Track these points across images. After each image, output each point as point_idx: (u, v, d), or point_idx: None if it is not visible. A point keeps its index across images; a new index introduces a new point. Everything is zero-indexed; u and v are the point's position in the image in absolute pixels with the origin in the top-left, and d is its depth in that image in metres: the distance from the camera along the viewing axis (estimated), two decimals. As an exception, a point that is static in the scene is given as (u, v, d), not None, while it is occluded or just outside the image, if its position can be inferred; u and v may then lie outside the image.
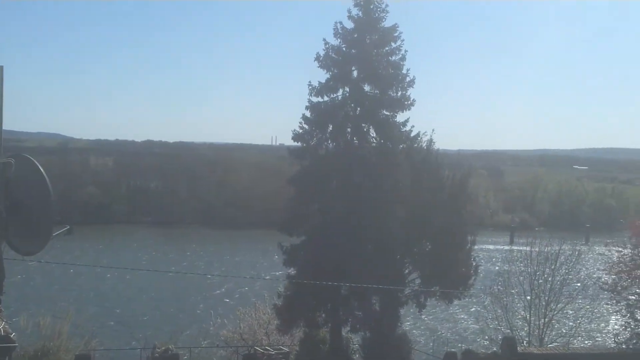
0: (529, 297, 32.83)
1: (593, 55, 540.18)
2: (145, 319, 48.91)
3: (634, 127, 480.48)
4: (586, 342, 34.36)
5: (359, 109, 32.46)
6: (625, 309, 26.72)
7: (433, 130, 32.60)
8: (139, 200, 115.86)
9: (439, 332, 45.31)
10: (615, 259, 27.68)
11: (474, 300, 40.65)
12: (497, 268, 41.36)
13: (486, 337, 35.89)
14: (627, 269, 26.65)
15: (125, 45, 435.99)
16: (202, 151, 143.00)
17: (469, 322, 47.13)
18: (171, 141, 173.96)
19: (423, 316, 40.62)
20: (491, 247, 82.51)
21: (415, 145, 32.32)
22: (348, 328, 32.53)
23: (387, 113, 32.42)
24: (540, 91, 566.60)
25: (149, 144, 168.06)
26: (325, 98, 32.25)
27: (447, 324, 48.16)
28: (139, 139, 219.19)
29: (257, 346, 32.10)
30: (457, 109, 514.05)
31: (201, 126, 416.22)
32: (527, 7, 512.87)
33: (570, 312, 33.57)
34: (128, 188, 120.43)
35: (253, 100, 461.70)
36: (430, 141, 32.06)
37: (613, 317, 31.01)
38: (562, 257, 33.52)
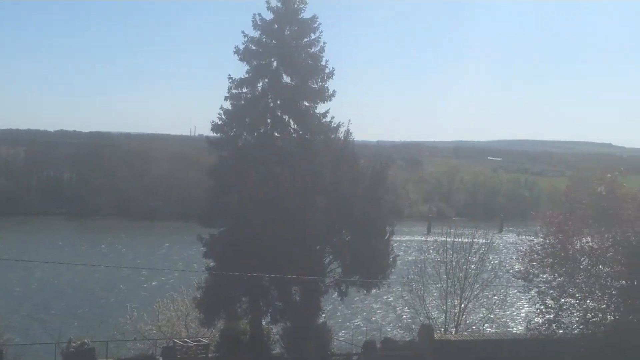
0: (443, 285, 33.55)
1: (505, 50, 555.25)
2: (54, 313, 47.56)
3: (545, 119, 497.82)
4: (500, 328, 35.36)
5: (278, 100, 32.38)
6: (536, 296, 27.60)
7: (350, 120, 32.82)
8: (52, 191, 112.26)
9: (359, 322, 45.77)
10: (527, 247, 28.50)
11: (393, 289, 41.28)
12: (414, 258, 42.04)
13: (404, 326, 36.51)
14: (539, 257, 27.49)
15: (37, 31, 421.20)
16: (119, 141, 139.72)
17: (388, 312, 47.84)
18: (86, 131, 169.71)
19: (341, 306, 40.93)
20: (410, 237, 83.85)
21: (334, 136, 32.50)
22: (268, 319, 32.49)
23: (307, 104, 32.47)
24: (457, 84, 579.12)
25: (62, 133, 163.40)
26: (245, 90, 32.06)
27: (367, 313, 48.70)
28: (51, 128, 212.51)
29: (176, 339, 31.67)
30: (378, 101, 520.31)
31: (118, 116, 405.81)
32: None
33: (485, 299, 34.47)
34: (40, 179, 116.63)
35: (172, 91, 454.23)
36: (348, 132, 32.30)
37: (525, 304, 32.02)
38: (476, 245, 34.42)
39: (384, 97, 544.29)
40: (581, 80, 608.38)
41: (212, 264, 32.11)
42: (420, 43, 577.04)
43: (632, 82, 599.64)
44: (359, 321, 46.15)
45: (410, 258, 44.18)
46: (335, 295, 32.36)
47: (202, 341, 31.45)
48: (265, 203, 30.06)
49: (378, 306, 49.77)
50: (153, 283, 55.82)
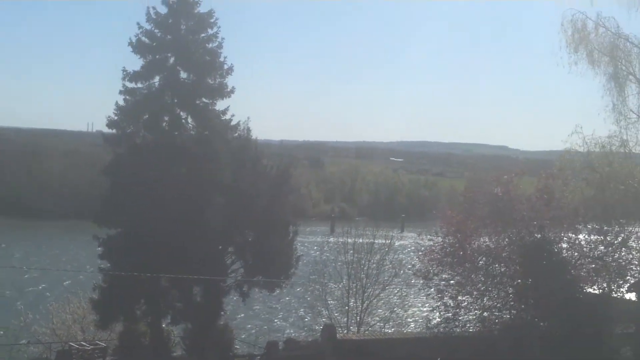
0: (345, 285, 33.76)
1: (408, 51, 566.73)
2: None
3: (445, 122, 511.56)
4: (402, 327, 35.84)
5: (176, 97, 31.77)
6: (436, 295, 28.09)
7: (249, 118, 32.65)
8: None
9: (262, 323, 45.48)
10: (427, 247, 28.97)
11: (296, 289, 41.22)
12: (316, 258, 42.12)
13: (307, 326, 36.53)
14: (438, 256, 27.98)
15: None
16: (8, 136, 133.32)
17: (291, 312, 47.73)
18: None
19: (245, 307, 40.54)
20: (313, 237, 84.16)
21: (236, 134, 32.22)
22: (169, 320, 31.86)
23: (206, 101, 32.04)
24: (359, 84, 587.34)
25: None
26: (140, 85, 31.31)
27: (270, 314, 48.45)
28: None
29: (72, 342, 30.58)
30: (281, 100, 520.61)
31: (6, 110, 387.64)
32: None
33: (386, 298, 34.88)
34: None
35: (66, 84, 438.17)
36: (248, 129, 32.08)
37: (426, 303, 32.55)
38: (377, 245, 34.80)
39: (287, 96, 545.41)
40: (479, 84, 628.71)
41: (108, 264, 31.21)
42: (321, 42, 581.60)
43: (526, 87, 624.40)
44: (263, 322, 45.86)
45: (312, 258, 44.24)
46: (237, 295, 32.05)
47: (100, 344, 30.54)
48: (163, 202, 29.40)
49: (281, 307, 49.60)
50: (42, 286, 53.37)
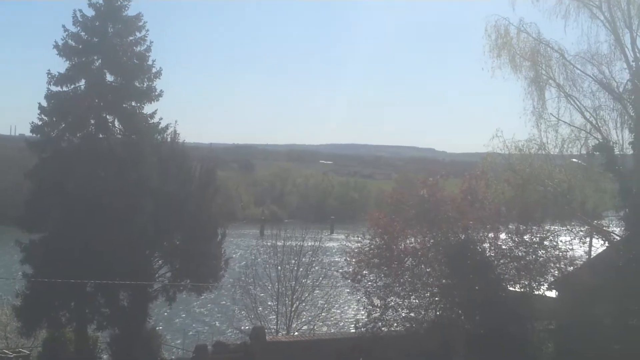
0: (275, 287, 33.81)
1: (336, 55, 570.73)
2: None
3: (374, 124, 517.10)
4: (331, 327, 36.13)
5: (102, 100, 31.33)
6: (364, 296, 28.40)
7: (176, 121, 32.56)
8: None
9: (192, 326, 45.06)
10: (356, 248, 29.26)
11: (226, 292, 41.01)
12: (246, 260, 42.05)
13: (236, 328, 36.40)
14: (366, 258, 28.30)
15: None
16: None
17: (221, 315, 47.46)
18: None
19: (174, 311, 40.17)
20: (243, 239, 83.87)
21: (162, 137, 31.98)
22: (95, 326, 31.30)
23: (134, 104, 31.71)
24: (290, 87, 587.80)
25: None
26: (66, 88, 30.74)
27: (199, 317, 48.08)
28: None
29: (-7, 350, 29.74)
30: (211, 102, 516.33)
31: None
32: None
33: (315, 300, 35.09)
34: None
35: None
36: (175, 132, 31.91)
37: (354, 303, 32.89)
38: (307, 247, 34.99)
39: (217, 99, 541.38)
40: (408, 87, 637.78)
41: (31, 270, 30.48)
42: (252, 46, 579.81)
43: (453, 91, 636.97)
44: (192, 325, 45.46)
45: (242, 261, 44.13)
46: (163, 299, 31.75)
47: (23, 352, 29.80)
48: (88, 206, 28.91)
49: (210, 310, 49.27)
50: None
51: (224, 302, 45.89)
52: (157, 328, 35.32)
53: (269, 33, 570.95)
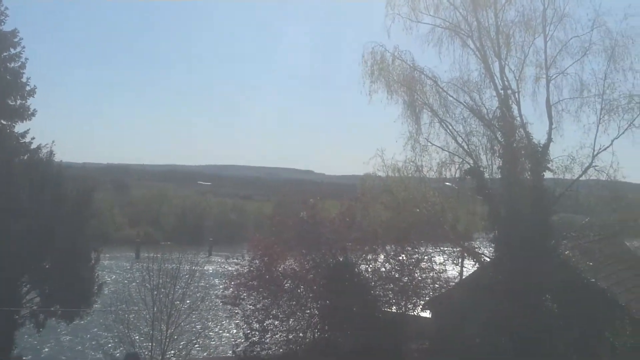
0: (150, 312, 32.82)
1: (213, 79, 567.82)
2: None
3: (253, 145, 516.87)
4: (208, 352, 35.41)
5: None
6: (242, 320, 28.13)
7: (53, 141, 31.16)
8: None
9: (59, 356, 42.98)
10: (234, 271, 28.97)
11: (97, 319, 39.45)
12: (120, 285, 40.63)
13: (108, 356, 35.01)
14: (245, 280, 28.10)
15: None
16: None
17: (94, 342, 45.55)
18: None
19: (43, 338, 38.23)
20: (117, 262, 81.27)
21: (36, 157, 30.57)
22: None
23: (4, 123, 30.23)
24: (167, 107, 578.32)
25: None
26: None
27: (68, 345, 45.95)
28: None
29: None
30: (84, 121, 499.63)
31: None
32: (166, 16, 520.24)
33: (192, 324, 34.31)
34: None
35: None
36: (51, 153, 30.59)
37: (233, 327, 32.44)
38: (184, 270, 34.21)
39: (91, 117, 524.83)
40: (289, 109, 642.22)
41: None
42: (123, 65, 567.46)
43: (333, 114, 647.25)
44: (61, 354, 43.38)
45: (116, 285, 42.60)
46: (31, 326, 30.13)
47: None
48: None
49: (82, 337, 47.24)
50: None
51: (96, 329, 44.13)
52: (24, 358, 33.45)
53: (144, 50, 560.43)
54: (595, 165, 26.44)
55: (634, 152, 25.93)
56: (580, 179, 26.95)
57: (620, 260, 30.90)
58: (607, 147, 26.16)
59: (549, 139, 26.89)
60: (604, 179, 26.44)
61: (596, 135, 26.43)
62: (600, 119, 26.42)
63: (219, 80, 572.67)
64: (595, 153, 26.32)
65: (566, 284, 24.94)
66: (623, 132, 26.00)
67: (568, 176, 26.93)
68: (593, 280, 25.69)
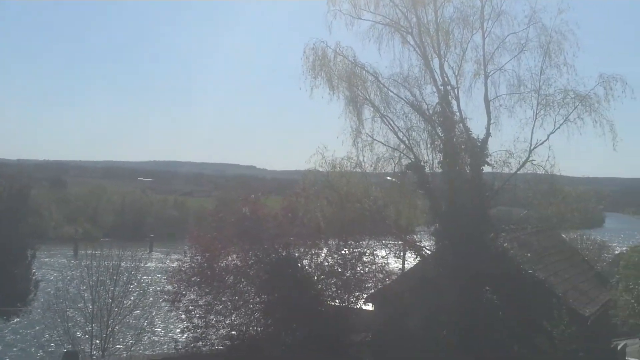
0: (89, 309, 32.27)
1: (151, 70, 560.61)
2: None
3: (195, 142, 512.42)
4: (151, 349, 35.03)
5: None
6: (184, 315, 27.86)
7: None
8: None
9: (4, 354, 41.85)
10: (175, 267, 28.67)
11: (36, 317, 38.60)
12: (58, 282, 39.80)
13: (47, 354, 34.31)
14: (186, 276, 27.81)
15: None
16: None
17: (36, 340, 44.50)
18: None
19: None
20: (55, 259, 79.57)
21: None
22: None
23: None
24: (104, 102, 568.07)
25: None
26: None
27: (8, 344, 44.78)
28: None
29: None
30: (18, 116, 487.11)
31: None
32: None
33: (133, 321, 33.86)
34: None
35: None
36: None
37: (177, 324, 32.10)
38: (124, 266, 33.71)
39: (25, 112, 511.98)
40: (229, 105, 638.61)
41: None
42: (65, 58, 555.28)
43: (276, 109, 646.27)
44: (3, 353, 42.27)
45: (54, 283, 41.70)
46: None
47: None
48: None
49: (23, 335, 46.10)
50: None
51: (36, 327, 43.16)
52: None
53: (82, 46, 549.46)
54: (532, 160, 27.00)
55: (569, 146, 26.57)
56: (519, 172, 27.50)
57: (558, 251, 31.76)
58: (544, 141, 26.77)
59: (488, 134, 27.34)
60: (541, 172, 27.03)
61: (533, 130, 27.01)
62: (536, 114, 27.00)
63: (161, 76, 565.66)
64: (532, 147, 26.90)
65: (505, 275, 25.44)
66: (559, 127, 26.63)
67: (506, 170, 27.46)
68: (531, 271, 26.28)
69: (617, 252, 45.56)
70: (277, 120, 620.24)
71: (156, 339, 38.22)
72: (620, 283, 23.38)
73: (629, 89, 25.85)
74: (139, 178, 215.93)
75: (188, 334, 28.02)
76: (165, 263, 29.49)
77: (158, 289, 32.76)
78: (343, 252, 28.64)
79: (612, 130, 26.08)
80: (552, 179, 27.71)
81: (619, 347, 31.54)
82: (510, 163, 27.29)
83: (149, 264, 48.84)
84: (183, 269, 28.08)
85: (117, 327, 32.42)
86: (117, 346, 32.68)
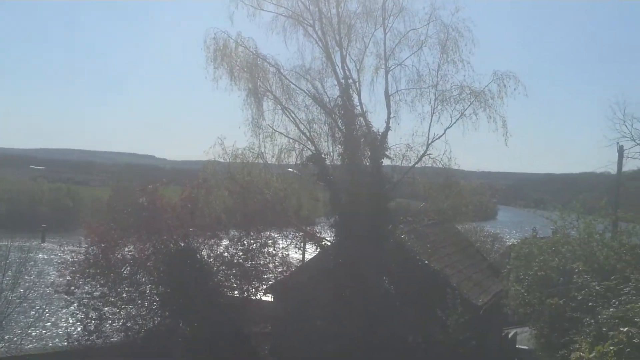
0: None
1: (37, 56, 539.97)
2: None
3: (88, 129, 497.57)
4: (42, 342, 33.78)
5: None
6: (78, 308, 27.02)
7: None
8: None
9: None
10: (69, 258, 27.77)
11: None
12: None
13: None
14: (81, 268, 26.96)
15: None
16: None
17: None
18: None
19: None
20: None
21: None
22: None
23: None
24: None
25: None
26: None
27: None
28: None
29: None
30: None
31: None
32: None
33: (23, 315, 32.57)
34: None
35: None
36: None
37: (69, 317, 31.04)
38: (13, 258, 32.34)
39: None
40: (127, 93, 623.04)
41: None
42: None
43: (176, 99, 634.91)
44: None
45: None
46: None
47: None
48: None
49: None
50: None
51: None
52: None
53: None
54: (430, 154, 27.75)
55: (465, 141, 27.47)
56: (417, 166, 28.19)
57: (453, 243, 32.71)
58: (441, 135, 27.56)
59: (388, 128, 27.86)
60: (438, 166, 27.79)
61: (430, 124, 27.75)
62: (434, 108, 27.78)
63: (55, 60, 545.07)
64: (429, 141, 27.63)
65: (402, 266, 26.02)
66: (455, 122, 27.48)
67: (405, 164, 28.12)
68: (427, 262, 26.95)
69: (508, 244, 47.38)
70: (179, 110, 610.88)
71: (48, 333, 36.89)
72: (511, 274, 24.36)
73: (521, 86, 26.96)
74: (31, 166, 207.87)
75: (81, 327, 27.19)
76: (57, 254, 28.41)
77: (50, 280, 31.58)
78: (245, 242, 28.51)
79: (505, 126, 27.17)
80: (448, 172, 28.54)
81: (509, 335, 32.85)
82: (409, 156, 27.96)
83: (40, 255, 47.11)
84: (77, 260, 27.20)
85: (4, 322, 31.10)
86: (5, 342, 31.40)
